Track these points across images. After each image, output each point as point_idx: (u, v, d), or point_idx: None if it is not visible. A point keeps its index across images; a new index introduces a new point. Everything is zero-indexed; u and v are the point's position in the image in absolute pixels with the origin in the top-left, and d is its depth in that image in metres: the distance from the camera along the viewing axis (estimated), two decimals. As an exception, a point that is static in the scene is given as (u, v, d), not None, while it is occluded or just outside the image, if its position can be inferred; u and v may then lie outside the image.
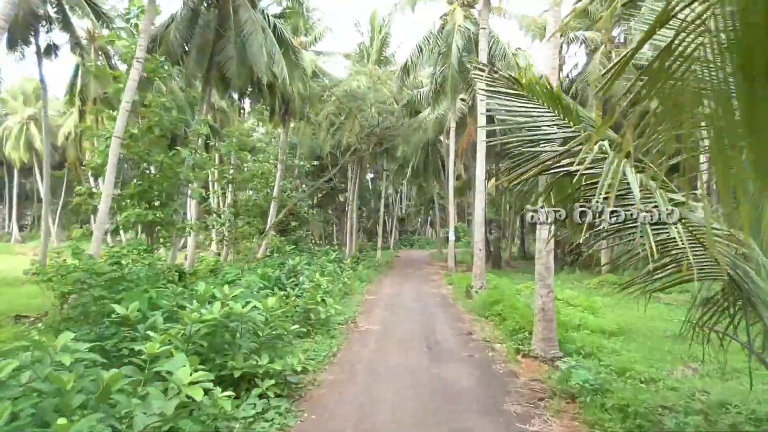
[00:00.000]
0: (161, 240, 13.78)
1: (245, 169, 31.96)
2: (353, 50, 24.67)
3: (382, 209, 25.97)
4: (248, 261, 17.21)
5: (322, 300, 8.91)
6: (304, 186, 25.99)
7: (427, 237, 50.06)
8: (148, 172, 13.12)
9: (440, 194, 39.31)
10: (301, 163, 31.30)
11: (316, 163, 30.35)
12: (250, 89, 22.56)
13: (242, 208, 21.88)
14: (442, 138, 32.66)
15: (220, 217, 17.99)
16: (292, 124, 28.01)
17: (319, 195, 40.32)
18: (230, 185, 20.15)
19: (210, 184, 34.02)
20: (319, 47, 25.00)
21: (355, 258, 26.06)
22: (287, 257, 15.69)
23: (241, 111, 23.07)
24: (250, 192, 28.92)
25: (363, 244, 39.23)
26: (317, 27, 24.50)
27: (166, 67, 13.41)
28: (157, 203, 12.74)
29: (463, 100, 21.02)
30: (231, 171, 18.84)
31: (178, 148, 13.24)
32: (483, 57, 13.47)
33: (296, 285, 10.52)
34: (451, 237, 18.28)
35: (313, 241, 42.68)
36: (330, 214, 40.57)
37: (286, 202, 30.45)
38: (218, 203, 32.27)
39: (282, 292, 8.98)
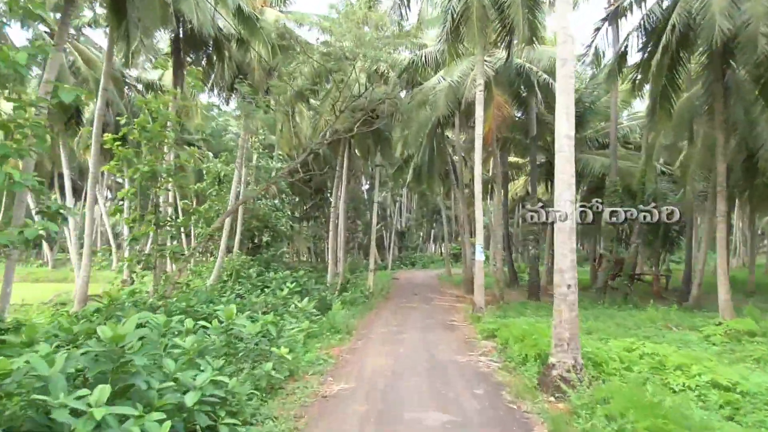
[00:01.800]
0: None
1: (206, 168, 24.92)
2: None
3: (374, 219, 18.85)
4: (164, 295, 10.09)
5: None
6: (266, 183, 18.79)
7: (430, 254, 42.73)
8: None
9: (446, 204, 32.28)
10: (279, 165, 24.46)
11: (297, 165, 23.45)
12: (191, 53, 15.69)
13: (169, 218, 14.67)
14: (450, 134, 25.80)
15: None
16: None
17: (306, 206, 33.35)
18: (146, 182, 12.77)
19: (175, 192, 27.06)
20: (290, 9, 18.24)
21: (344, 283, 18.83)
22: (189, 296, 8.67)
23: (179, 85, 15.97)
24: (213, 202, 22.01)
25: (357, 263, 32.01)
26: (286, -22, 17.79)
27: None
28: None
29: (487, 62, 14.09)
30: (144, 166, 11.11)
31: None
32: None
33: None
34: (479, 256, 11.12)
35: (302, 259, 35.48)
36: (319, 228, 33.45)
37: (258, 212, 23.49)
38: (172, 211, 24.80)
39: None
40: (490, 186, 24.52)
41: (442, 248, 40.55)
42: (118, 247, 29.68)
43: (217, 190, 22.41)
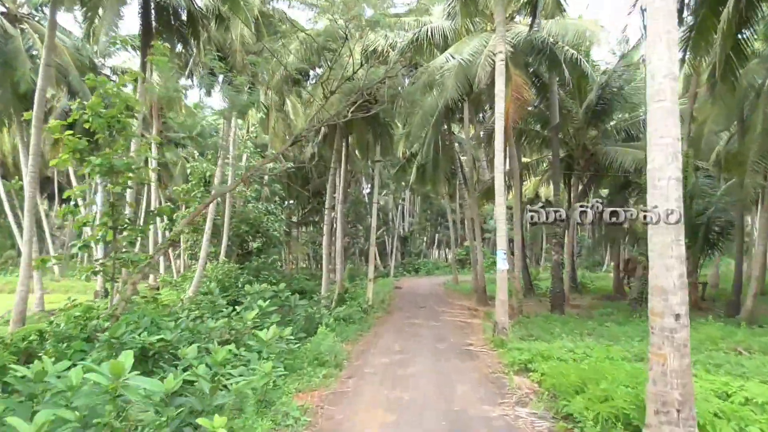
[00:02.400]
0: None
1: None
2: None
3: (374, 222, 16.59)
4: (114, 314, 7.85)
5: None
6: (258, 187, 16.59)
7: (434, 260, 40.31)
8: None
9: (452, 207, 30.01)
10: (271, 165, 22.23)
11: (291, 165, 21.30)
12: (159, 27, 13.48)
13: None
14: (456, 130, 23.58)
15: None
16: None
17: (304, 210, 31.19)
18: (98, 179, 10.33)
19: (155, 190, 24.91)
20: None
21: (342, 293, 16.56)
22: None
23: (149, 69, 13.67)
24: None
25: (357, 270, 29.76)
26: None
27: None
28: None
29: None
30: (97, 158, 8.58)
31: None
32: None
33: None
34: (502, 264, 8.84)
35: (301, 266, 33.19)
36: (318, 233, 31.24)
37: (248, 215, 21.27)
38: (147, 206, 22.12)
39: None
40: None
41: (448, 254, 38.23)
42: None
43: (202, 192, 20.28)
